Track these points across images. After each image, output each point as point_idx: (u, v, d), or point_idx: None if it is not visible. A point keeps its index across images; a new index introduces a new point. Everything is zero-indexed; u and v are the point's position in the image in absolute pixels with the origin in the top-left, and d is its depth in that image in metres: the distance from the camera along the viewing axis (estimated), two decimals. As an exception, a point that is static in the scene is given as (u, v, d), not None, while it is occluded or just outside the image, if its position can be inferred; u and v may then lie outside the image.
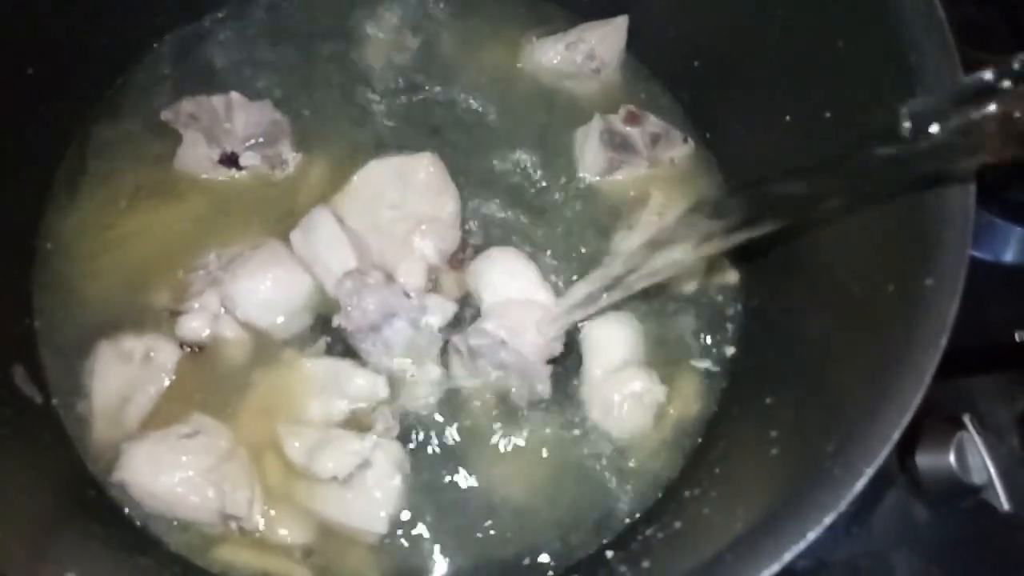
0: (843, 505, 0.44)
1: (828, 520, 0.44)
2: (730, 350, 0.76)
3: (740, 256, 0.78)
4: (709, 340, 0.77)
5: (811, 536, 0.44)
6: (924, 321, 0.46)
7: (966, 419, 0.81)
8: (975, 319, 0.88)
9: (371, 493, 0.67)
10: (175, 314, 0.69)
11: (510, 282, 0.75)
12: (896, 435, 0.46)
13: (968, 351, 0.88)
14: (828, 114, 0.67)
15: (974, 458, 0.79)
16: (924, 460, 0.82)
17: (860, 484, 0.44)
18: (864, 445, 0.45)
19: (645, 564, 0.57)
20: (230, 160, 0.75)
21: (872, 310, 0.53)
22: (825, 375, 0.57)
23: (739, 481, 0.58)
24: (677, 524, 0.60)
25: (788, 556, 0.43)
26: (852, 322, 0.56)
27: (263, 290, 0.70)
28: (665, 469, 0.71)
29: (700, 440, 0.71)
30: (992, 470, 0.78)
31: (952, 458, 0.79)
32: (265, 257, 0.71)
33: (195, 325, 0.69)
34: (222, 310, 0.70)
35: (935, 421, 0.83)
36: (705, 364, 0.75)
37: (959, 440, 0.80)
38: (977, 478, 0.77)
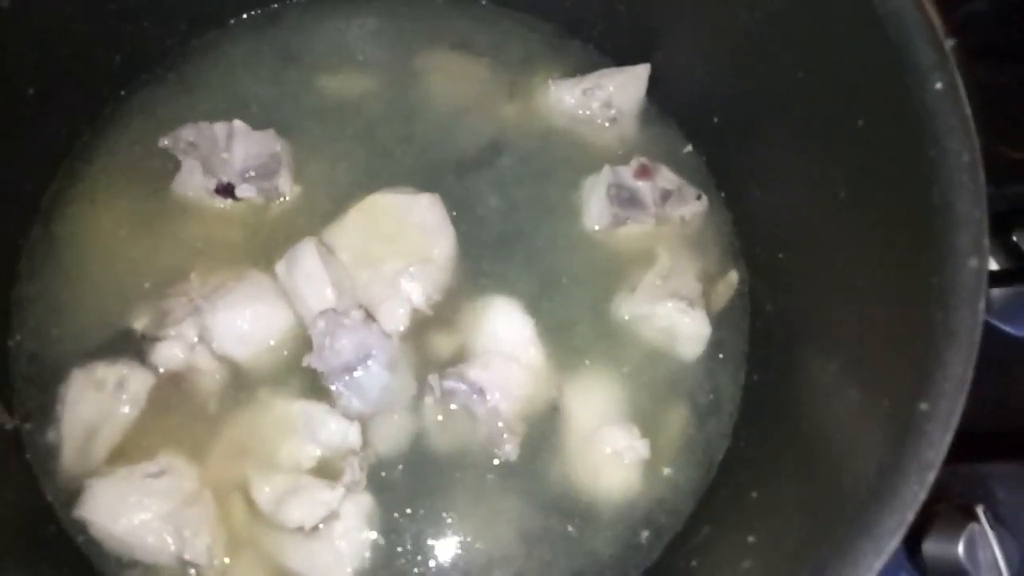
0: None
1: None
2: (725, 424, 0.73)
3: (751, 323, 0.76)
4: (705, 404, 0.74)
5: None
6: (914, 449, 0.43)
7: (979, 510, 0.77)
8: (999, 399, 0.84)
9: (337, 546, 0.66)
10: (151, 340, 0.68)
11: (503, 334, 0.74)
12: (873, 567, 0.42)
13: (988, 434, 0.84)
14: (845, 190, 0.64)
15: (985, 553, 0.75)
16: (932, 548, 0.78)
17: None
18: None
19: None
20: (226, 191, 0.74)
21: (866, 422, 0.50)
22: (814, 480, 0.54)
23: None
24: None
25: None
26: (845, 429, 0.53)
27: (242, 323, 0.69)
28: (638, 552, 0.68)
29: (683, 524, 0.68)
30: (1004, 569, 0.74)
31: (961, 550, 0.75)
32: (247, 290, 0.70)
33: (170, 353, 0.68)
34: (198, 340, 0.69)
35: (947, 508, 0.79)
36: (699, 432, 0.73)
37: (970, 532, 0.76)
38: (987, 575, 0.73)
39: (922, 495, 0.41)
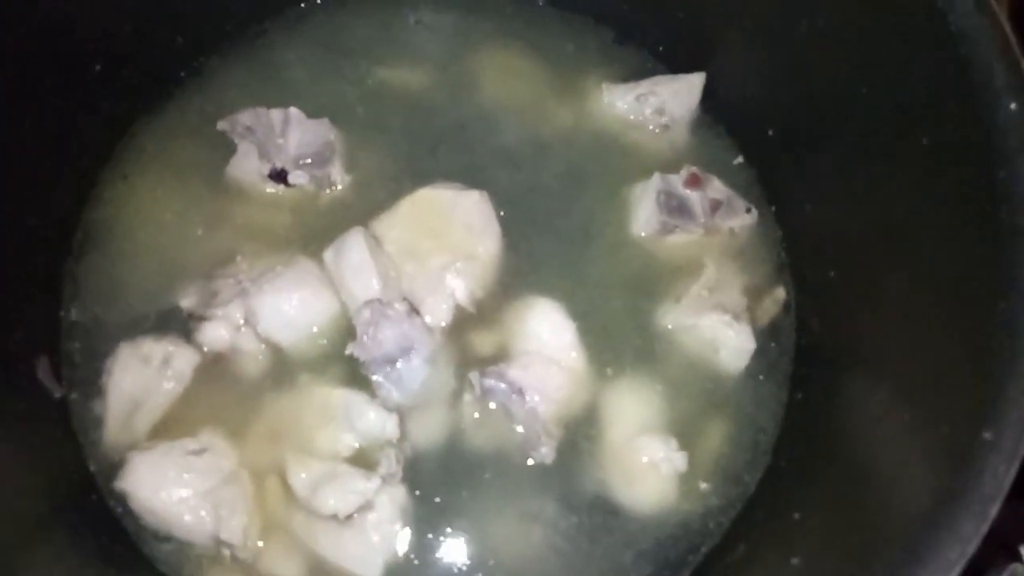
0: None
1: None
2: (765, 441, 0.72)
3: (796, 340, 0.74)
4: (745, 420, 0.73)
5: None
6: (977, 479, 0.41)
7: (1023, 550, 0.74)
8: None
9: (369, 536, 0.66)
10: (198, 319, 0.69)
11: (545, 336, 0.73)
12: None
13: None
14: (904, 208, 0.62)
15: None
16: (970, 589, 0.76)
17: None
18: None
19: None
20: (279, 176, 0.74)
21: (919, 448, 0.48)
22: (861, 505, 0.53)
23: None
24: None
25: None
26: (895, 454, 0.52)
27: (288, 308, 0.69)
28: (668, 566, 0.67)
29: (719, 540, 0.67)
30: (1048, 612, 0.71)
31: (1001, 593, 0.73)
32: (295, 275, 0.70)
33: (216, 334, 0.69)
34: (244, 322, 0.69)
35: (988, 546, 0.76)
36: (738, 448, 0.71)
37: (1012, 573, 0.73)
38: (1031, 618, 0.71)
39: (984, 528, 0.40)
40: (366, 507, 0.65)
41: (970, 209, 0.54)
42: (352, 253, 0.71)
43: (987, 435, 0.42)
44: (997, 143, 0.51)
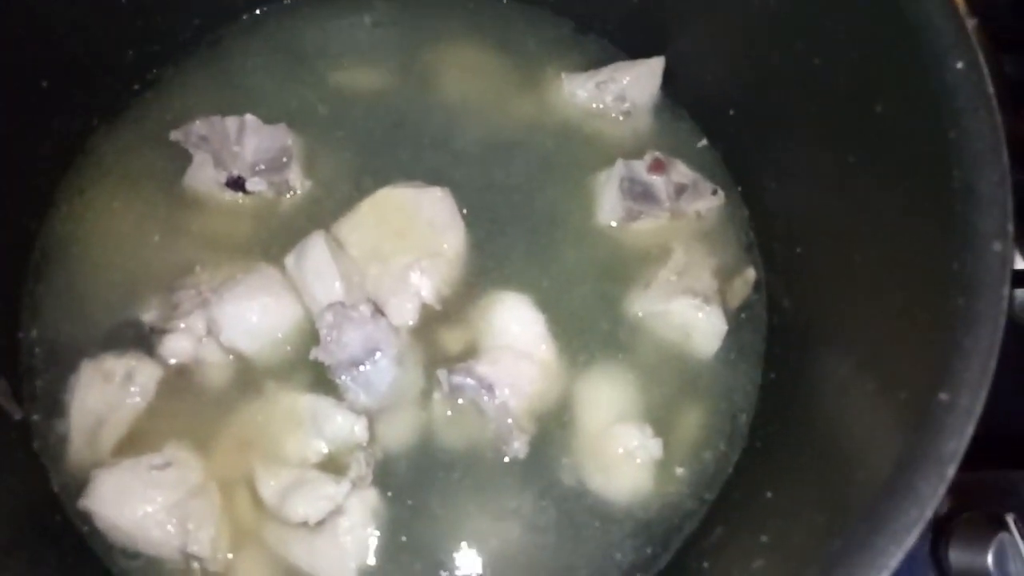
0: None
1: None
2: (741, 423, 0.71)
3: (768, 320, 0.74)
4: (720, 403, 0.72)
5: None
6: (932, 440, 0.40)
7: (1010, 519, 0.74)
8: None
9: (341, 542, 0.65)
10: (160, 332, 0.68)
11: (514, 329, 0.72)
12: (889, 564, 0.40)
13: (1018, 439, 0.81)
14: (864, 178, 0.62)
15: (1016, 564, 0.72)
16: (959, 558, 0.75)
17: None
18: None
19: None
20: (237, 184, 0.74)
21: (882, 415, 0.47)
22: (830, 477, 0.52)
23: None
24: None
25: None
26: (862, 424, 0.51)
27: (250, 316, 0.68)
28: (648, 553, 0.66)
29: (697, 525, 0.66)
30: (1036, 580, 0.71)
31: (991, 561, 0.72)
32: (255, 282, 0.69)
33: (179, 345, 0.68)
34: (207, 332, 0.68)
35: (975, 516, 0.75)
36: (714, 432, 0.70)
37: (1000, 542, 0.72)
38: (1019, 587, 0.70)
39: (942, 490, 0.39)
40: (337, 512, 0.64)
41: (924, 173, 0.53)
42: (313, 256, 0.70)
43: (943, 396, 0.41)
44: (946, 103, 0.51)
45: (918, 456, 0.40)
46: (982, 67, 0.50)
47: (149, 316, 0.70)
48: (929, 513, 0.39)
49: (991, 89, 0.49)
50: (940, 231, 0.50)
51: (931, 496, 0.39)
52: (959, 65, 0.51)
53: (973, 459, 0.42)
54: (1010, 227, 0.45)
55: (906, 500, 0.39)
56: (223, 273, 0.71)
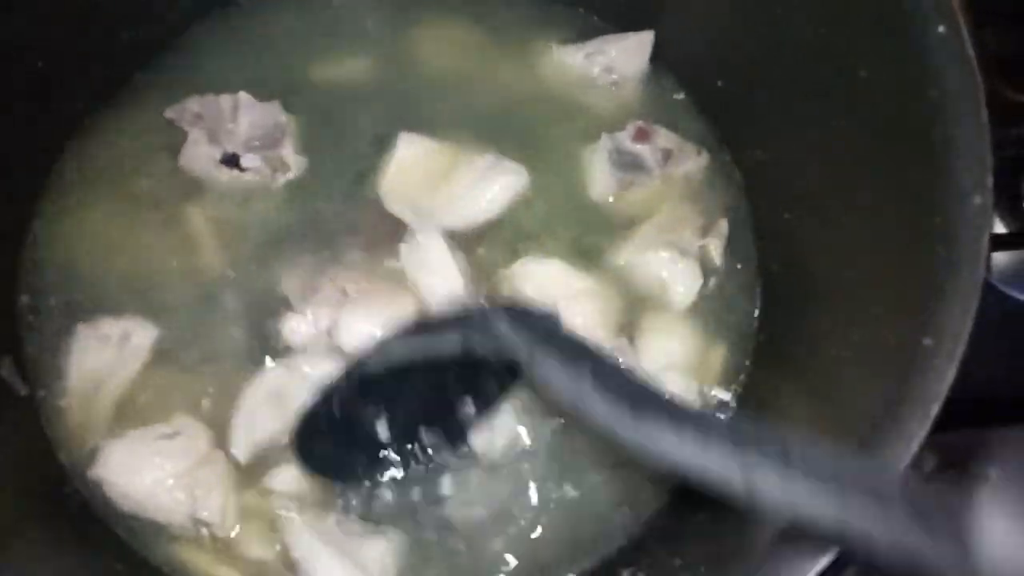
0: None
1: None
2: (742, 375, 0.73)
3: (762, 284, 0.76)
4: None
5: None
6: (918, 382, 0.42)
7: (993, 473, 0.76)
8: (1009, 366, 0.83)
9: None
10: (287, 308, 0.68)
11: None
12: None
13: (997, 401, 0.83)
14: (848, 141, 0.64)
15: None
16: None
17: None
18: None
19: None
20: (231, 161, 0.74)
21: (871, 364, 0.49)
22: (822, 428, 0.54)
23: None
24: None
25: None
26: (852, 374, 0.53)
27: (373, 331, 0.66)
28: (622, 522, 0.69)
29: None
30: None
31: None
32: (384, 296, 0.69)
33: (300, 328, 0.67)
34: (327, 329, 0.67)
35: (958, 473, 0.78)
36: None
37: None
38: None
39: (925, 428, 0.41)
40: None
41: (907, 133, 0.55)
42: (432, 253, 0.71)
43: (927, 341, 0.43)
44: (928, 63, 0.52)
45: (906, 397, 0.42)
46: (962, 30, 0.52)
47: (289, 285, 0.69)
48: (915, 447, 0.41)
49: (971, 51, 0.50)
50: (923, 187, 0.51)
51: (919, 431, 0.41)
52: (941, 28, 0.52)
53: (955, 419, 0.43)
54: (989, 180, 0.47)
55: (894, 438, 0.41)
56: (364, 279, 0.70)
